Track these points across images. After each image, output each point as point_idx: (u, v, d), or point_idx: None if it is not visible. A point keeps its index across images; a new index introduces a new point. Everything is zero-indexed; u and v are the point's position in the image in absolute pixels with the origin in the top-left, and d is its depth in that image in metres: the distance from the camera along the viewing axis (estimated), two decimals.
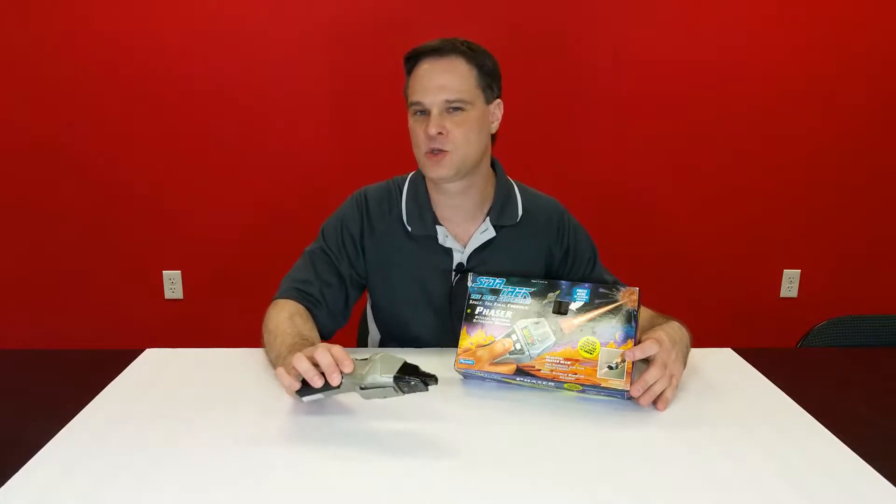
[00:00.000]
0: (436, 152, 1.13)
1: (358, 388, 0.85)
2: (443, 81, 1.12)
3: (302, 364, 0.86)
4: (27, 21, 2.38)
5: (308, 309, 1.18)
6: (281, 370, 0.91)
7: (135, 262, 2.63)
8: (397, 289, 1.25)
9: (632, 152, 2.63)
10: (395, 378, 0.83)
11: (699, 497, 0.76)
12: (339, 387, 0.86)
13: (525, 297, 1.04)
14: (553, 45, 2.50)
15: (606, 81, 2.55)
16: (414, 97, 1.14)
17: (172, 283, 2.66)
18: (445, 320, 1.25)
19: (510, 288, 1.06)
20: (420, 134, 1.14)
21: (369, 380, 0.84)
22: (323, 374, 0.86)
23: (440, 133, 1.11)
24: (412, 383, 0.83)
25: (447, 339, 1.21)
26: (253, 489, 0.76)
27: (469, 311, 1.06)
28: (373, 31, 2.45)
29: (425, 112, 1.13)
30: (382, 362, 0.85)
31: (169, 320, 2.69)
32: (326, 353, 0.86)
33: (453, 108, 1.12)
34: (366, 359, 0.87)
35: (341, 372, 0.85)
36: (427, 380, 0.83)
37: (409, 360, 0.86)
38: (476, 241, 1.23)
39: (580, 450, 0.86)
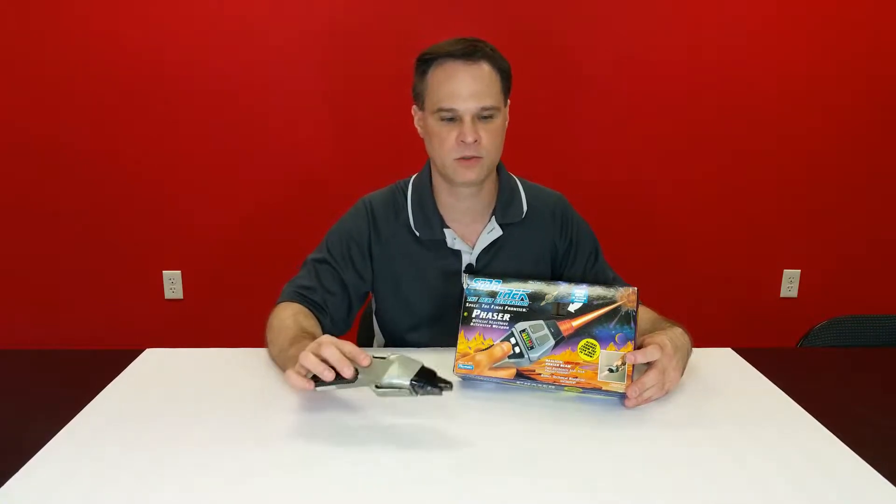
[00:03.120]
0: (468, 158, 1.12)
1: (374, 386, 0.86)
2: (476, 88, 1.10)
3: (309, 360, 0.86)
4: (27, 21, 2.38)
5: (311, 311, 1.17)
6: (290, 373, 0.89)
7: (135, 262, 2.63)
8: (406, 294, 1.25)
9: (632, 152, 2.63)
10: (412, 382, 0.85)
11: (699, 497, 0.76)
12: (353, 380, 0.87)
13: (522, 299, 1.03)
14: (553, 45, 2.50)
15: (606, 81, 2.55)
16: (445, 103, 1.10)
17: (172, 283, 2.66)
18: (454, 323, 1.23)
19: (507, 289, 1.04)
20: (450, 140, 1.12)
21: (386, 380, 0.85)
22: (333, 367, 0.85)
23: (475, 141, 1.11)
24: (428, 388, 0.85)
25: (455, 342, 1.19)
26: (253, 489, 0.76)
27: (466, 313, 1.04)
28: (372, 31, 2.45)
29: (455, 119, 1.11)
30: (400, 364, 0.86)
31: (169, 320, 2.69)
32: (335, 350, 0.86)
33: (485, 115, 1.11)
34: (383, 357, 0.88)
35: (355, 367, 0.86)
36: (443, 385, 0.85)
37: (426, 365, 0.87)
38: (484, 240, 1.23)
39: (580, 450, 0.86)
